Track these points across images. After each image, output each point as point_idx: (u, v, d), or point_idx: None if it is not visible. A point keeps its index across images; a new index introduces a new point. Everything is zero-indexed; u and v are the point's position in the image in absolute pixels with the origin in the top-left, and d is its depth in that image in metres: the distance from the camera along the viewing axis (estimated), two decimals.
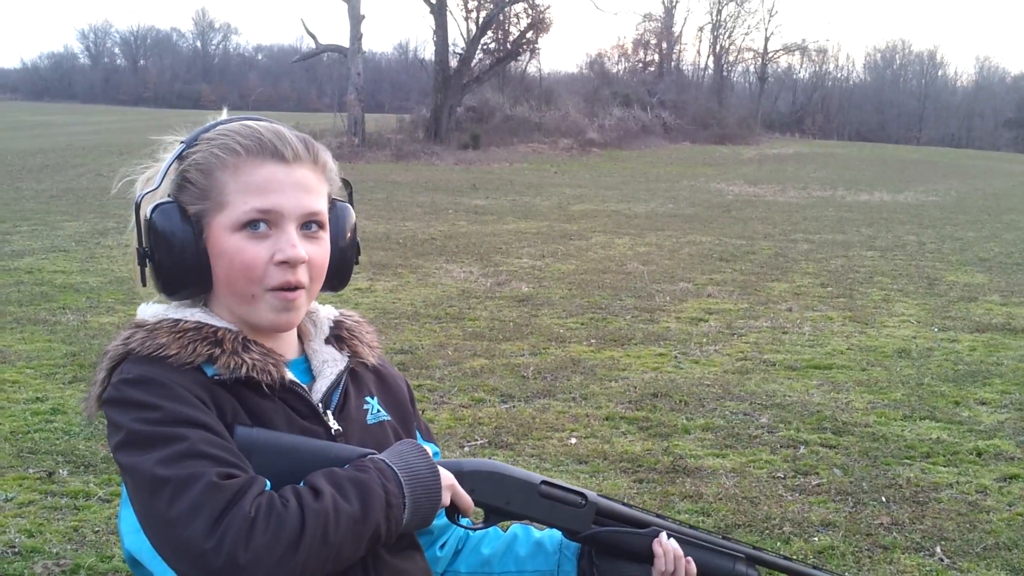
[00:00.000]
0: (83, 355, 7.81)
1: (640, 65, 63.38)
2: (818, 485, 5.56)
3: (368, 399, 1.71)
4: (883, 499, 5.37)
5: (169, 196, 1.53)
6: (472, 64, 39.28)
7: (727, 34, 69.72)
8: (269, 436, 1.49)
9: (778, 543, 4.79)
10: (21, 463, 5.57)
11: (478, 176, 27.16)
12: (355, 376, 1.71)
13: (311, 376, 1.66)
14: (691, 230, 17.18)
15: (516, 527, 1.86)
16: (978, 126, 70.14)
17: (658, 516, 1.82)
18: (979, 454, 6.12)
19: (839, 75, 79.21)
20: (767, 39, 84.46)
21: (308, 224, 1.56)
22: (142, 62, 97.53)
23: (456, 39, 41.25)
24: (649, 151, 40.94)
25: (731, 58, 70.31)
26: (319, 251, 1.58)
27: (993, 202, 24.51)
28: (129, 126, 46.68)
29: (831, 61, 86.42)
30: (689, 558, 1.77)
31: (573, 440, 6.20)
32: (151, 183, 1.57)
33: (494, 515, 1.70)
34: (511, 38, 41.69)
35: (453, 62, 38.62)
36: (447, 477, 1.57)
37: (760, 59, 70.90)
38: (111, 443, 1.45)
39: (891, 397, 7.29)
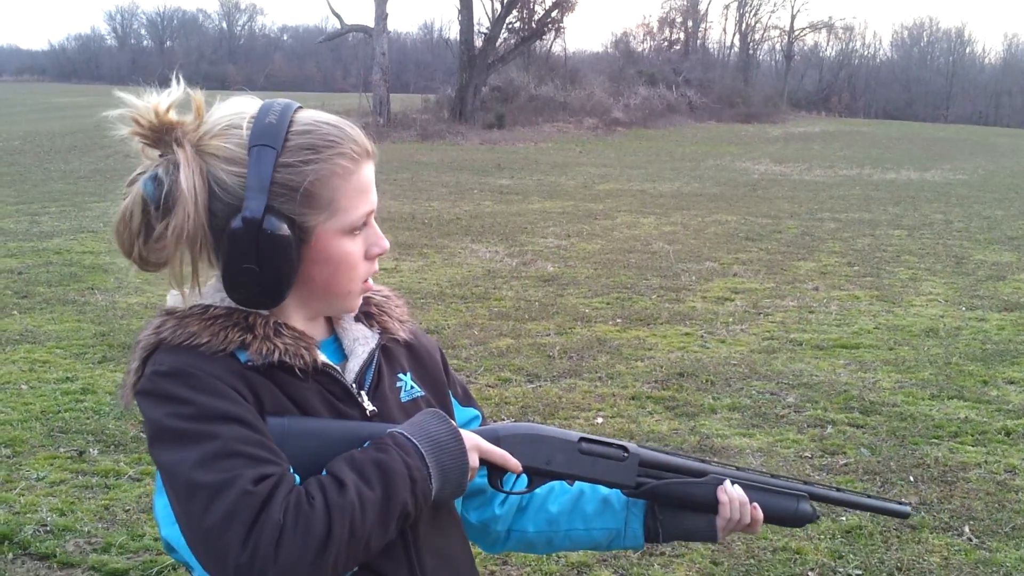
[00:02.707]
0: (112, 335, 7.86)
1: (665, 43, 63.12)
2: (845, 465, 5.56)
3: (401, 376, 1.70)
4: (911, 479, 5.36)
5: (268, 208, 1.45)
6: (497, 43, 39.16)
7: (753, 12, 69.38)
8: (300, 423, 1.49)
9: None
10: (52, 442, 5.62)
11: (503, 156, 27.13)
12: (387, 353, 1.70)
13: (343, 356, 1.64)
14: (716, 209, 17.11)
15: (581, 484, 1.83)
16: (1006, 104, 69.46)
17: (706, 462, 1.81)
18: (1008, 433, 6.10)
19: (866, 53, 78.70)
20: (793, 17, 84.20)
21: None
22: (168, 43, 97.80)
23: (481, 18, 41.26)
24: (674, 130, 40.78)
25: (757, 36, 69.95)
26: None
27: (1022, 180, 24.29)
28: None
29: (858, 39, 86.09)
30: (755, 503, 1.77)
31: (599, 420, 6.21)
32: (220, 189, 1.47)
33: (536, 477, 1.71)
34: (536, 17, 41.47)
35: (478, 42, 38.52)
36: (471, 439, 1.57)
37: (786, 37, 70.50)
38: (148, 434, 1.45)
39: (919, 376, 7.26)
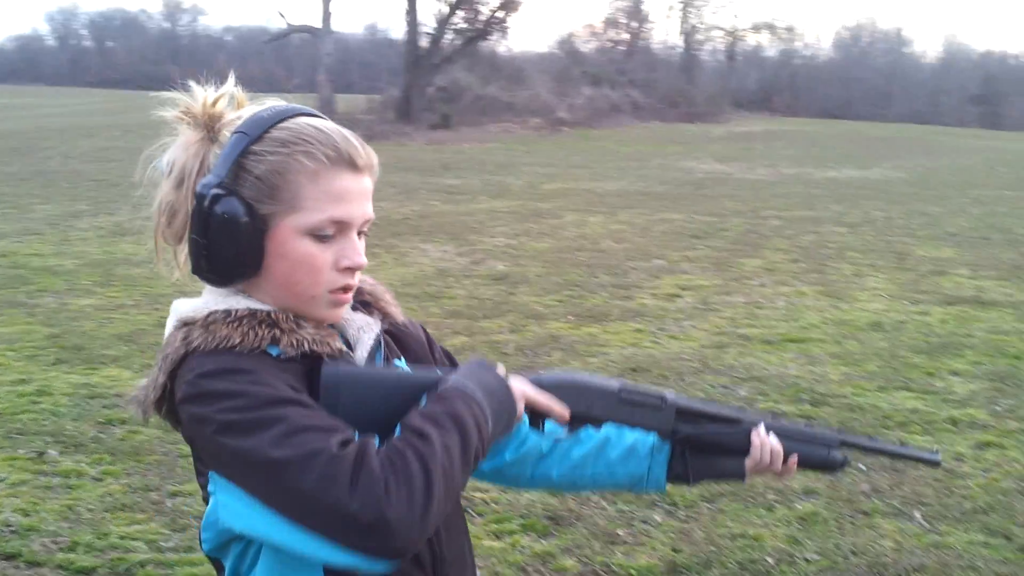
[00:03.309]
0: (65, 337, 7.83)
1: (610, 44, 63.33)
2: None
3: (397, 362, 1.76)
4: (862, 467, 5.49)
5: (224, 187, 1.52)
6: (442, 44, 39.21)
7: (696, 12, 69.83)
8: (353, 371, 1.56)
9: (762, 510, 4.91)
10: (10, 444, 5.61)
11: (449, 156, 27.15)
12: (387, 338, 1.76)
13: (349, 346, 1.69)
14: (662, 208, 17.26)
15: (609, 430, 1.89)
16: (944, 103, 70.39)
17: (740, 410, 1.88)
18: (954, 423, 6.26)
19: (807, 53, 79.44)
20: (736, 17, 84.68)
21: (362, 229, 1.62)
22: (110, 43, 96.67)
23: (426, 19, 41.13)
24: (619, 130, 40.96)
25: (700, 36, 70.37)
26: (364, 251, 1.63)
27: (960, 177, 24.71)
28: (97, 108, 46.36)
29: (799, 39, 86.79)
30: (793, 454, 1.83)
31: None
32: (203, 171, 1.57)
33: (577, 422, 1.78)
34: (481, 17, 41.58)
35: (423, 42, 38.55)
36: (519, 387, 1.66)
37: (729, 37, 71.07)
38: (200, 437, 1.48)
39: (866, 369, 7.42)
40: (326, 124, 1.58)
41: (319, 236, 1.54)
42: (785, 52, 75.91)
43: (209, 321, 1.53)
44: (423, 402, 1.53)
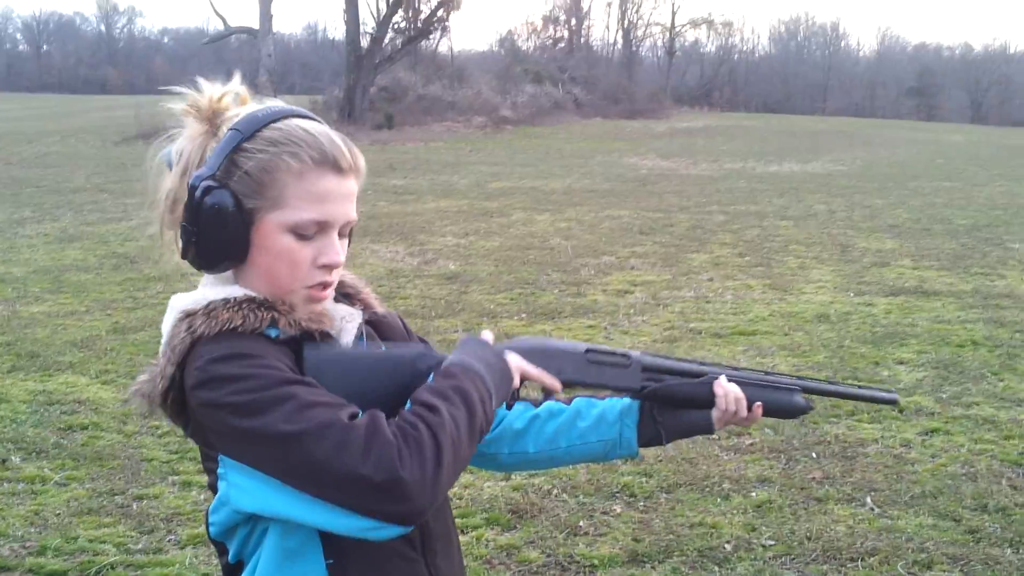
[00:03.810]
0: (19, 344, 7.82)
1: (550, 41, 63.60)
2: (751, 444, 5.82)
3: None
4: (814, 455, 5.65)
5: (215, 180, 1.60)
6: (384, 44, 39.13)
7: (635, 8, 70.22)
8: (335, 353, 1.64)
9: (718, 499, 5.04)
10: None
11: (394, 156, 27.14)
12: (368, 327, 1.83)
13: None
14: (608, 205, 17.41)
15: (578, 402, 1.97)
16: (881, 95, 71.43)
17: (703, 364, 1.94)
18: (901, 411, 6.42)
19: (745, 48, 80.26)
20: (674, 13, 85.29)
21: (343, 230, 1.70)
22: (45, 47, 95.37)
23: (366, 19, 41.04)
24: (562, 127, 41.12)
25: (639, 32, 70.86)
26: (345, 252, 1.71)
27: (899, 170, 25.10)
28: (35, 112, 45.80)
29: (737, 34, 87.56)
30: (756, 403, 1.90)
31: None
32: (202, 163, 1.64)
33: (548, 390, 1.86)
34: (422, 16, 41.57)
35: (364, 42, 38.44)
36: (514, 361, 1.75)
37: (667, 33, 71.54)
38: (212, 421, 1.53)
39: (814, 360, 7.58)
40: (316, 127, 1.66)
41: (300, 234, 1.62)
42: (723, 47, 76.60)
43: (210, 309, 1.60)
44: (430, 378, 1.61)
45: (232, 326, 1.58)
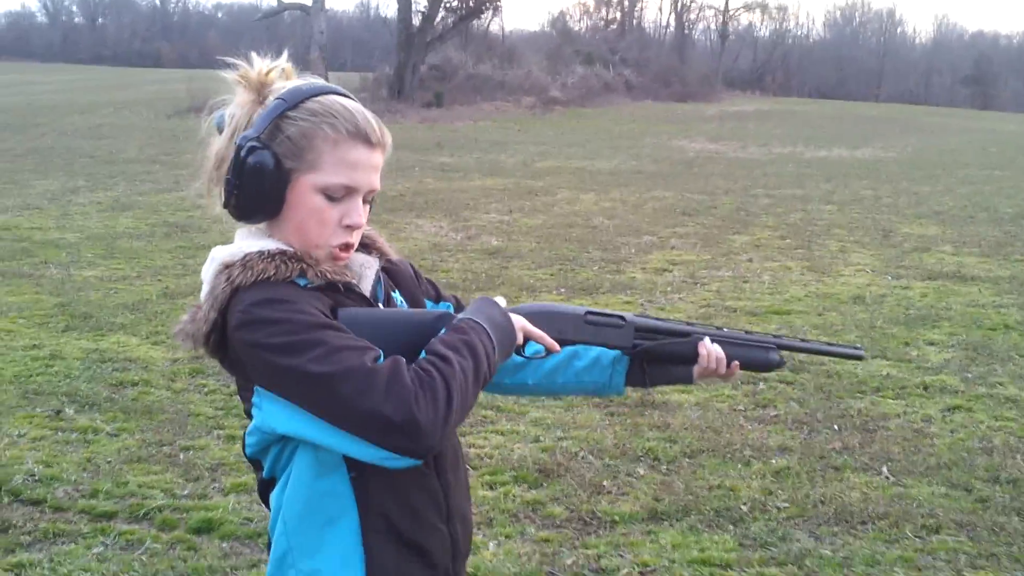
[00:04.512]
0: (73, 306, 8.10)
1: (602, 23, 63.55)
2: (775, 416, 6.00)
3: (393, 293, 2.08)
4: (835, 427, 5.82)
5: (260, 141, 1.81)
6: (435, 22, 39.28)
7: None
8: (366, 312, 1.87)
9: (739, 464, 5.23)
10: (28, 403, 5.90)
11: (442, 134, 27.34)
12: (384, 274, 2.06)
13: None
14: (654, 186, 17.52)
15: (576, 346, 2.19)
16: (936, 83, 70.80)
17: (689, 324, 2.17)
18: (925, 388, 6.57)
19: (799, 33, 79.81)
20: None
21: (367, 197, 1.92)
22: (100, 20, 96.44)
23: None
24: (612, 109, 41.20)
25: (692, 15, 70.75)
26: (367, 216, 1.94)
27: (949, 158, 24.99)
28: (89, 84, 46.48)
29: (791, 19, 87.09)
30: (734, 361, 2.14)
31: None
32: (249, 126, 1.85)
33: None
34: None
35: (416, 20, 38.61)
36: (518, 321, 1.97)
37: (721, 16, 71.33)
38: (252, 358, 1.75)
39: (845, 339, 7.71)
40: (352, 104, 1.89)
41: (330, 196, 1.85)
42: (777, 32, 76.16)
43: (246, 260, 1.82)
44: (443, 331, 1.84)
45: (266, 276, 1.79)
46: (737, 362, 2.15)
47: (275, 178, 1.81)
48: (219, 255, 1.88)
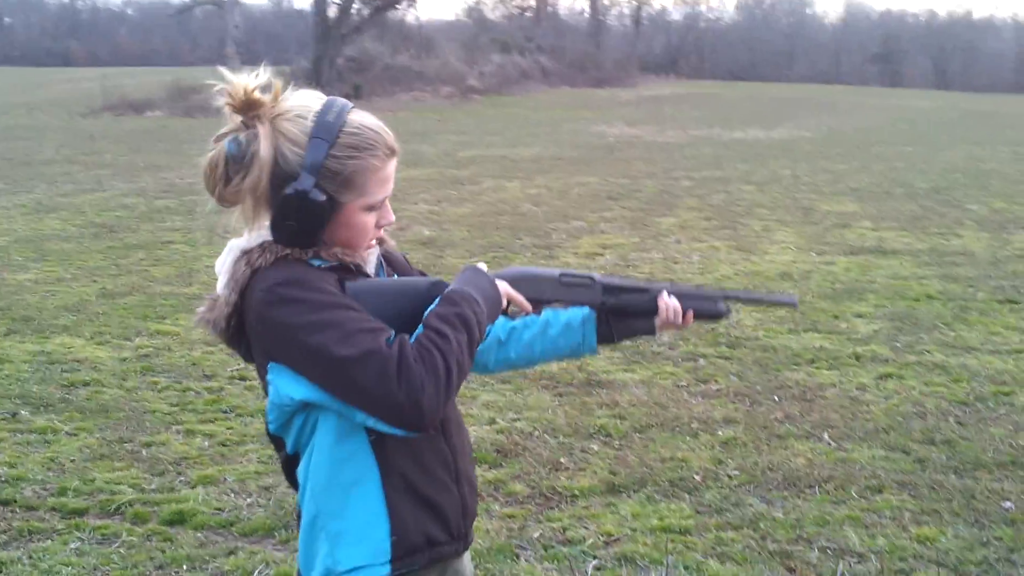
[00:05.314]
0: (12, 309, 8.08)
1: (517, 11, 63.60)
2: (718, 390, 6.23)
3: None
4: (775, 398, 6.06)
5: (318, 187, 1.93)
6: (350, 13, 39.17)
7: None
8: (370, 283, 2.04)
9: (688, 437, 5.45)
10: None
11: None
12: (383, 260, 2.23)
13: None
14: (577, 172, 17.74)
15: (547, 314, 2.36)
16: (846, 62, 71.73)
17: (648, 281, 2.38)
18: (858, 358, 6.86)
19: (711, 16, 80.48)
20: None
21: None
22: (7, 20, 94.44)
23: None
24: (529, 96, 41.38)
25: (606, 1, 70.95)
26: None
27: (862, 135, 25.57)
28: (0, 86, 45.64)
29: (703, 3, 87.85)
30: (688, 310, 2.33)
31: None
32: (280, 159, 1.94)
33: (533, 304, 2.27)
34: None
35: (331, 12, 38.48)
36: (502, 287, 2.14)
37: (634, 2, 71.71)
38: (273, 335, 1.91)
39: (776, 314, 7.97)
40: (373, 122, 2.04)
41: (372, 209, 2.03)
42: (690, 16, 76.74)
43: (265, 246, 1.98)
44: (436, 303, 2.00)
45: (284, 254, 1.96)
46: (691, 313, 2.35)
47: (329, 213, 1.96)
48: (237, 244, 2.02)
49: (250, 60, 44.14)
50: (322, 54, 36.97)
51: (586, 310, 2.33)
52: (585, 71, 50.67)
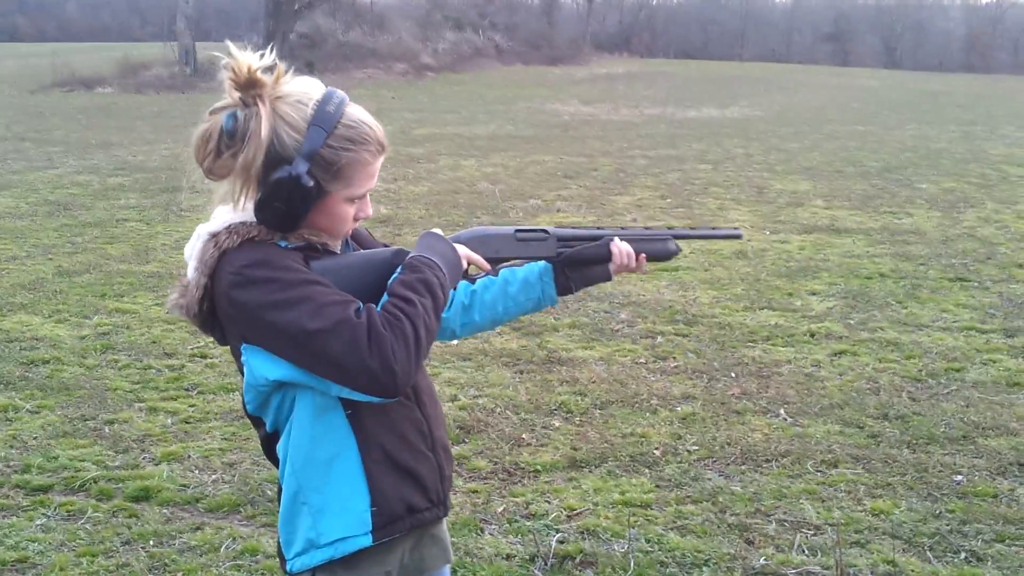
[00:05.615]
0: None
1: None
2: (676, 367, 6.32)
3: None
4: (732, 375, 6.16)
5: (310, 174, 1.97)
6: None
7: None
8: (334, 259, 2.08)
9: (647, 413, 5.53)
10: None
11: None
12: (352, 238, 2.27)
13: None
14: (533, 150, 17.78)
15: (504, 272, 2.43)
16: (797, 42, 72.23)
17: (599, 228, 2.43)
18: (812, 335, 6.97)
19: None
20: None
21: None
22: None
23: None
24: (483, 73, 41.33)
25: None
26: None
27: (814, 114, 25.79)
28: None
29: None
30: (640, 253, 2.40)
31: (455, 342, 6.79)
32: (300, 157, 1.97)
33: (489, 263, 2.33)
34: None
35: None
36: (462, 250, 2.20)
37: None
38: (244, 316, 1.95)
39: (732, 292, 8.09)
40: (369, 118, 2.10)
41: (354, 200, 2.08)
42: None
43: (231, 228, 2.02)
44: (399, 270, 2.06)
45: (250, 236, 2.00)
46: (644, 255, 2.41)
47: (315, 199, 2.00)
48: (204, 229, 2.06)
49: (200, 36, 43.88)
50: (274, 30, 36.64)
51: (543, 264, 2.40)
52: (538, 49, 50.66)
